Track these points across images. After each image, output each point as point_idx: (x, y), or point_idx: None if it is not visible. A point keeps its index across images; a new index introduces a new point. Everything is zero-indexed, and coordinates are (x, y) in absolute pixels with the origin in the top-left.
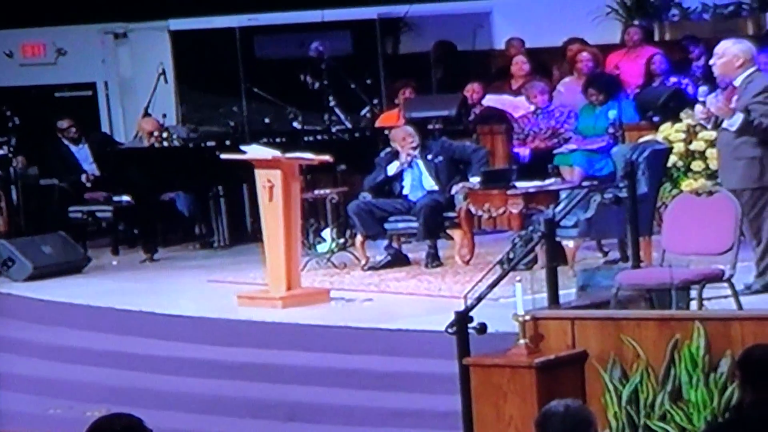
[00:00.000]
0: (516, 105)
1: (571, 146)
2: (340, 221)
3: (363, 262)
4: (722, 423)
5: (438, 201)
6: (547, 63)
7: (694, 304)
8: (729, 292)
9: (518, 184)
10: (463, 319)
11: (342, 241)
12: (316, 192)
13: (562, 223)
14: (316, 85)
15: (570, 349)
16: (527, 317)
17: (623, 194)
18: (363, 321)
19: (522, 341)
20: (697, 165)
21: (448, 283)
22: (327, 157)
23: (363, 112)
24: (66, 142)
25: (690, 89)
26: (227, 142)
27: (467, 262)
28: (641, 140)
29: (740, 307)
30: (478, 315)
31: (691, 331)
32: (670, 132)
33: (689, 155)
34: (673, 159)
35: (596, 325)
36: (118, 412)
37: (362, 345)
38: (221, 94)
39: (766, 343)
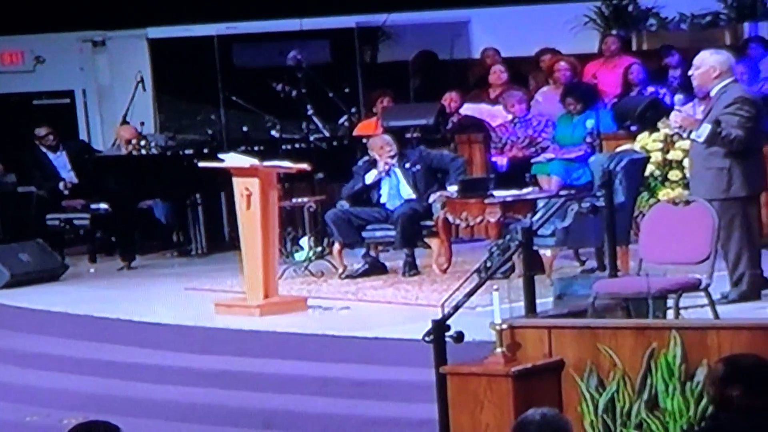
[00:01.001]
0: (494, 114)
1: (549, 155)
2: (317, 229)
3: (340, 270)
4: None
5: (415, 210)
6: (526, 72)
7: (670, 313)
8: (706, 301)
9: (496, 193)
10: (440, 327)
11: (319, 249)
12: (294, 200)
13: (539, 232)
14: (293, 93)
15: (547, 358)
16: (504, 326)
17: (600, 203)
18: (340, 329)
19: (499, 350)
20: (674, 174)
21: (425, 291)
22: (305, 166)
23: (341, 120)
24: (44, 149)
25: (667, 99)
26: (205, 150)
27: (444, 271)
28: (619, 149)
29: (717, 316)
30: (455, 323)
31: (668, 340)
32: (647, 141)
33: (666, 164)
34: (650, 168)
35: (573, 334)
36: (95, 419)
37: (339, 353)
38: (199, 102)
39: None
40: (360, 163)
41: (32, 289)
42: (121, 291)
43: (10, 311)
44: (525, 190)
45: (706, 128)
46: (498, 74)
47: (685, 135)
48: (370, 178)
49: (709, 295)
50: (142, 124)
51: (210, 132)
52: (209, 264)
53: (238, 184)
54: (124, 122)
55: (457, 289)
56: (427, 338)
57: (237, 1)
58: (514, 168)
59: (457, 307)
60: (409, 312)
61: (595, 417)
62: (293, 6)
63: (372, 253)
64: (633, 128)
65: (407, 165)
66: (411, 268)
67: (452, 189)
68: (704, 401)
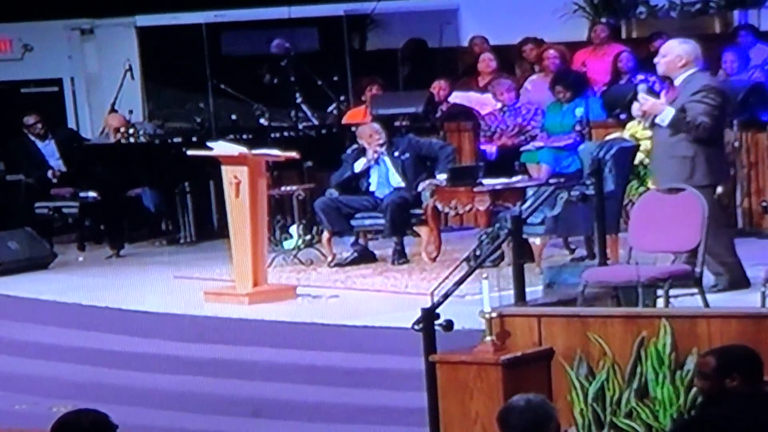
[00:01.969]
0: (483, 102)
1: (538, 143)
2: (306, 218)
3: (329, 258)
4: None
5: (405, 198)
6: (514, 60)
7: (660, 302)
8: (695, 289)
9: (485, 181)
10: (429, 316)
11: (308, 237)
12: (283, 188)
13: (529, 221)
14: (275, 81)
15: (536, 347)
16: (494, 314)
17: (590, 192)
18: (329, 317)
19: (488, 338)
20: None
21: (414, 279)
22: (294, 154)
23: (330, 108)
24: (32, 138)
25: (657, 86)
26: (194, 139)
27: (434, 259)
28: (608, 138)
29: (707, 304)
30: (444, 312)
31: (658, 329)
32: (636, 129)
33: None
34: (640, 156)
35: (563, 323)
36: (84, 407)
37: (328, 341)
38: (188, 91)
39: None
40: (349, 151)
41: (21, 277)
42: (109, 279)
43: None
44: (514, 179)
45: (669, 112)
46: (487, 62)
47: (647, 124)
48: (359, 166)
49: (699, 284)
50: (131, 112)
51: (198, 120)
52: (198, 252)
53: (227, 172)
54: (113, 110)
55: (447, 278)
56: (416, 327)
57: None
58: (503, 156)
59: (446, 296)
60: (399, 300)
61: (585, 405)
62: None
63: (361, 241)
64: (622, 116)
65: (396, 153)
66: (400, 256)
67: (441, 177)
68: (694, 390)
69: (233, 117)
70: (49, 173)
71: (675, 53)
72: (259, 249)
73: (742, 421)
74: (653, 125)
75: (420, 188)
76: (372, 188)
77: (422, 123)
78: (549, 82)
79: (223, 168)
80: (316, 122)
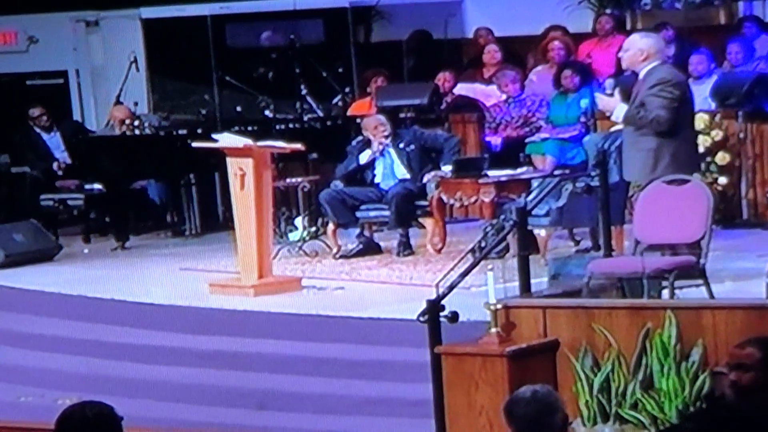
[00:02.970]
0: (488, 94)
1: (543, 135)
2: (311, 210)
3: (335, 250)
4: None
5: (410, 189)
6: (519, 52)
7: (665, 293)
8: (701, 281)
9: (490, 172)
10: (434, 307)
11: (314, 229)
12: (288, 180)
13: (533, 212)
14: (270, 75)
15: (541, 338)
16: (499, 306)
17: (595, 183)
18: (334, 309)
19: (494, 330)
20: None
21: (419, 271)
22: (299, 146)
23: (335, 100)
24: (38, 130)
25: None
26: (199, 131)
27: (439, 251)
28: (613, 129)
29: (712, 296)
30: (449, 303)
31: (663, 320)
32: None
33: None
34: None
35: (568, 314)
36: (89, 399)
37: (334, 333)
38: (193, 83)
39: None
40: (354, 143)
41: (26, 269)
42: (115, 271)
43: (4, 292)
44: (519, 170)
45: (622, 109)
46: (492, 54)
47: (613, 118)
48: (364, 158)
49: (704, 275)
50: (136, 104)
51: (203, 112)
52: (203, 244)
53: (232, 164)
54: (118, 102)
55: (452, 269)
56: (421, 318)
57: None
58: (508, 148)
59: (451, 287)
60: (404, 292)
61: (590, 397)
62: None
63: (366, 233)
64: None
65: (401, 145)
66: (405, 248)
67: (446, 169)
68: (699, 381)
69: (238, 109)
70: (55, 165)
71: (636, 47)
72: (264, 241)
73: None
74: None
75: (425, 180)
76: (377, 180)
77: (427, 114)
78: (554, 72)
79: (228, 160)
80: (321, 114)
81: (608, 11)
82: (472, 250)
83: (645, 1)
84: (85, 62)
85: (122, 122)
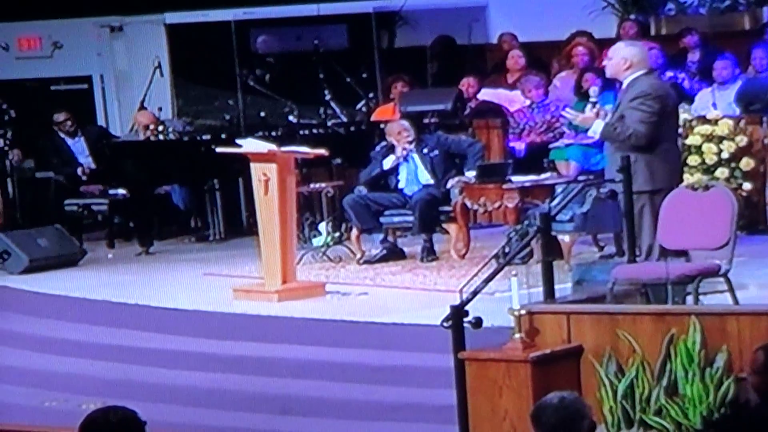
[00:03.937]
0: (512, 99)
1: (567, 141)
2: (335, 215)
3: (358, 255)
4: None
5: (434, 195)
6: (543, 57)
7: (690, 299)
8: (725, 287)
9: (514, 178)
10: (458, 313)
11: (337, 234)
12: (312, 186)
13: (557, 218)
14: (267, 77)
15: (565, 344)
16: (523, 312)
17: (619, 189)
18: (358, 315)
19: (517, 336)
20: (693, 159)
21: (443, 277)
22: (322, 151)
23: (359, 105)
24: (62, 135)
25: (686, 84)
26: (223, 136)
27: (463, 256)
28: None
29: (736, 302)
30: (473, 309)
31: (687, 326)
32: None
33: (685, 150)
34: None
35: (592, 320)
36: (113, 404)
37: (357, 339)
38: (217, 88)
39: None
40: (378, 148)
41: (51, 274)
42: (139, 276)
43: (29, 297)
44: (543, 176)
45: (599, 125)
46: (516, 59)
47: (590, 133)
48: (388, 163)
49: (728, 281)
50: (160, 109)
51: (227, 117)
52: (227, 249)
53: (256, 169)
54: (142, 108)
55: (476, 275)
56: (445, 324)
57: None
58: (532, 153)
59: (475, 293)
60: (428, 297)
61: (614, 403)
62: None
63: (390, 238)
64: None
65: (425, 150)
66: (429, 253)
67: (470, 174)
68: (724, 387)
69: (262, 114)
70: (79, 170)
71: (620, 56)
72: (288, 246)
73: None
74: None
75: (449, 185)
76: (401, 185)
77: (451, 120)
78: (576, 76)
79: (252, 165)
80: (345, 119)
81: (632, 17)
82: (496, 256)
83: (669, 6)
84: (110, 67)
85: (146, 127)
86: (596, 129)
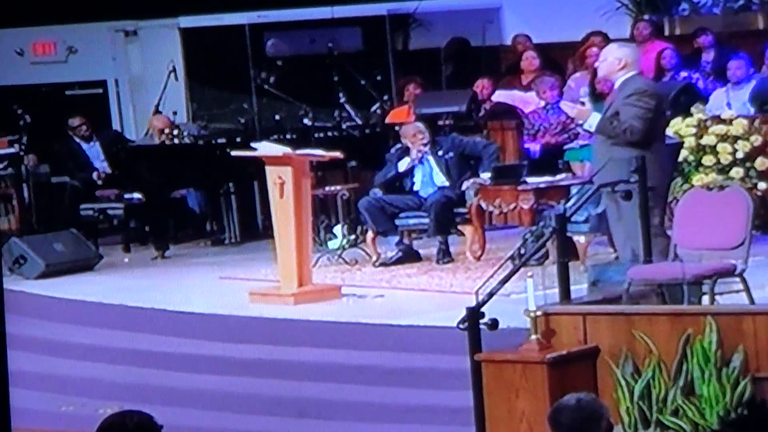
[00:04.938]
0: (526, 100)
1: (582, 141)
2: (351, 217)
3: (374, 258)
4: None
5: (449, 197)
6: (558, 58)
7: (706, 299)
8: (741, 286)
9: (529, 179)
10: (474, 314)
11: (353, 237)
12: (327, 188)
13: (573, 219)
14: (272, 80)
15: (582, 345)
16: (539, 313)
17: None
18: (374, 317)
19: (534, 337)
20: (708, 159)
21: (459, 278)
22: (337, 154)
23: (373, 108)
24: (77, 139)
25: (701, 84)
26: (238, 139)
27: (478, 258)
28: None
29: (752, 301)
30: (489, 311)
31: (703, 326)
32: (680, 126)
33: (700, 150)
34: (684, 153)
35: (608, 321)
36: (130, 409)
37: (373, 341)
38: (232, 91)
39: None
40: (393, 150)
41: (66, 279)
42: (155, 280)
43: (45, 301)
44: (558, 177)
45: (595, 118)
46: (530, 60)
47: (585, 126)
48: (403, 165)
49: (744, 281)
50: (175, 113)
51: (242, 121)
52: (243, 253)
53: (271, 172)
54: (157, 112)
55: (491, 276)
56: (461, 326)
57: None
58: (547, 154)
59: (491, 295)
60: (444, 299)
61: (630, 404)
62: None
63: (405, 240)
64: (666, 113)
65: (440, 152)
66: (445, 255)
67: (485, 176)
68: (740, 387)
69: (277, 117)
70: (94, 175)
71: (613, 56)
72: (303, 249)
73: None
74: None
75: (464, 187)
76: (416, 188)
77: (466, 122)
78: (590, 77)
79: (267, 168)
80: (359, 122)
81: (646, 17)
82: (512, 257)
83: (683, 6)
84: (124, 72)
85: (161, 131)
86: (592, 123)
